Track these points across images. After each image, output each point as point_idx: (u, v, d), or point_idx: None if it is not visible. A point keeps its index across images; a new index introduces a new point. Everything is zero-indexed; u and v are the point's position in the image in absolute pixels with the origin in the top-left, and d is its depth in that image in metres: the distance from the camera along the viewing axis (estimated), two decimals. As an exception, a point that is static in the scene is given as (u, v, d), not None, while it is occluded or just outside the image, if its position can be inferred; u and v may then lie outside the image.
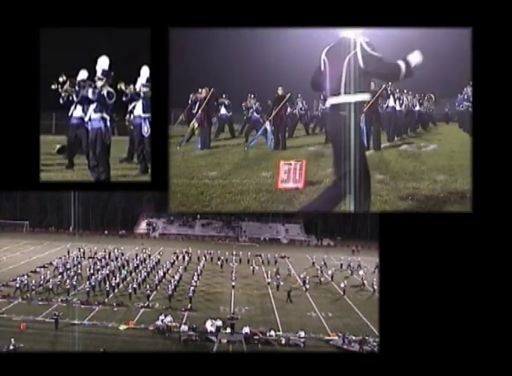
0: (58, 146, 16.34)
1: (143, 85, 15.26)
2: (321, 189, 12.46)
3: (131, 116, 16.35)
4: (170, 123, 24.38)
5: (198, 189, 12.58)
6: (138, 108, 15.69)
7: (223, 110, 25.56)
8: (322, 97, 25.12)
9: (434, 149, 19.64)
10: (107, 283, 27.63)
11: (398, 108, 24.21)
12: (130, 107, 16.24)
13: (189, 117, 23.10)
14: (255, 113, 24.54)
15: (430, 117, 31.17)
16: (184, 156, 17.66)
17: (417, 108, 28.11)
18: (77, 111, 14.98)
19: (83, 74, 14.89)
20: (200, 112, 20.02)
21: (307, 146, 20.33)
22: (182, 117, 24.12)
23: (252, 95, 25.34)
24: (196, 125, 19.80)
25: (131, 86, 16.02)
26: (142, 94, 15.35)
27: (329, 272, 34.30)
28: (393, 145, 20.69)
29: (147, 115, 14.90)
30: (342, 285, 29.81)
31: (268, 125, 19.03)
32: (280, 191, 12.55)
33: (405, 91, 26.36)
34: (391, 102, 23.75)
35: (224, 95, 25.87)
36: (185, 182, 13.29)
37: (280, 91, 19.48)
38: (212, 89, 20.40)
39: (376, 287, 29.88)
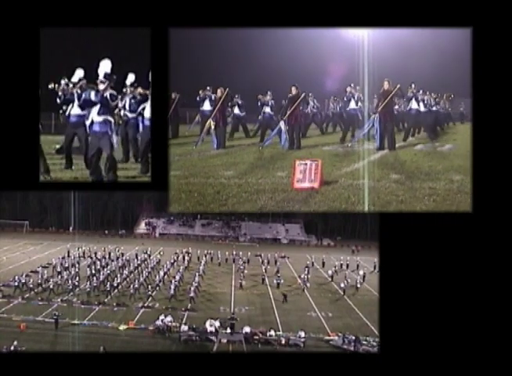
0: (57, 146, 16.28)
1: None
2: (336, 188, 12.58)
3: (123, 113, 16.25)
4: (186, 123, 24.50)
5: (214, 188, 12.60)
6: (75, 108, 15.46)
7: (236, 110, 25.33)
8: (345, 98, 24.98)
9: (449, 148, 19.56)
10: (107, 283, 27.64)
11: (422, 109, 24.00)
12: (121, 105, 16.17)
13: (202, 115, 23.09)
14: (269, 110, 24.32)
15: (446, 116, 31.08)
16: (200, 155, 17.71)
17: (434, 108, 28.03)
18: (74, 109, 14.89)
19: (79, 74, 14.86)
20: (215, 111, 19.97)
21: (321, 145, 20.31)
22: (197, 117, 24.12)
23: (269, 92, 25.15)
24: (212, 125, 19.73)
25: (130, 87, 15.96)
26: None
27: (329, 272, 34.30)
28: (408, 144, 20.62)
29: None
30: (342, 285, 29.81)
31: (282, 125, 18.97)
32: (296, 191, 12.55)
33: (423, 91, 26.29)
34: (413, 104, 23.65)
35: (236, 96, 25.70)
36: (201, 181, 13.33)
37: (294, 90, 19.40)
38: (227, 89, 20.32)
39: (359, 285, 30.29)
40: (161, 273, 31.22)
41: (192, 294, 26.34)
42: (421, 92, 24.48)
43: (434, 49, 24.71)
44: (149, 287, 27.52)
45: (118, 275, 30.23)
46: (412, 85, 22.95)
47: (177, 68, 11.46)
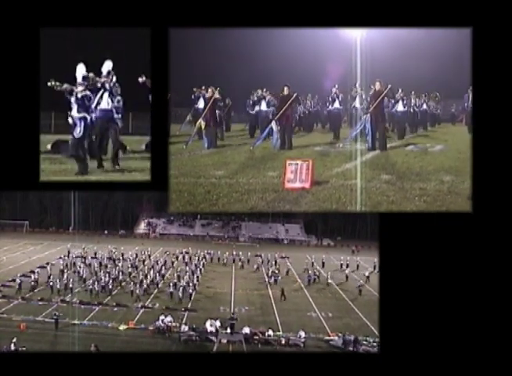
0: (50, 143, 16.15)
1: (104, 76, 15.11)
2: (327, 188, 12.56)
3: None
4: (178, 123, 24.49)
5: (205, 188, 12.62)
6: (104, 101, 15.45)
7: (264, 106, 24.82)
8: (330, 98, 25.10)
9: (440, 149, 19.57)
10: (107, 283, 27.64)
11: (404, 109, 24.21)
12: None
13: (195, 114, 23.02)
14: (265, 107, 24.15)
15: (436, 117, 31.13)
16: (191, 155, 17.70)
17: (423, 108, 28.16)
18: (103, 103, 14.89)
19: (108, 65, 15.04)
20: (206, 111, 19.98)
21: (313, 145, 20.32)
22: (189, 117, 24.07)
23: (264, 88, 25.03)
24: (203, 125, 19.76)
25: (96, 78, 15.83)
26: (106, 86, 15.15)
27: (346, 271, 34.72)
28: (399, 145, 20.66)
29: (113, 106, 14.87)
30: (359, 284, 30.15)
31: (274, 125, 18.98)
32: (287, 191, 12.55)
33: (412, 92, 26.37)
34: (398, 104, 23.88)
35: (264, 90, 25.09)
36: (191, 181, 13.32)
37: (286, 91, 19.45)
38: (218, 89, 20.32)
39: (329, 280, 31.27)
40: (161, 273, 31.26)
41: (191, 294, 26.39)
42: (412, 93, 24.58)
43: (429, 49, 24.75)
44: (149, 287, 27.53)
45: (118, 275, 30.26)
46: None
47: (176, 68, 11.45)
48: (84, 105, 13.85)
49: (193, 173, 14.30)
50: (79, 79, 14.02)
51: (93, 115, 15.23)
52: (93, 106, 14.88)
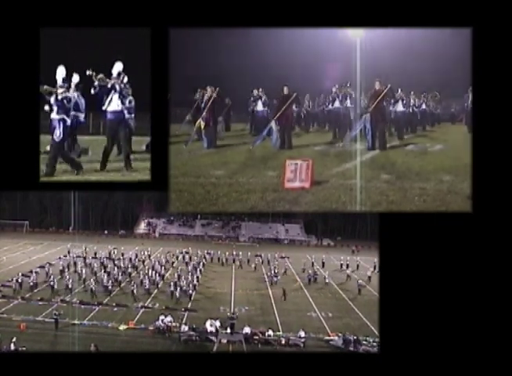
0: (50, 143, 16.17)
1: (114, 78, 15.10)
2: (327, 188, 12.55)
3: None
4: (177, 122, 24.51)
5: (205, 187, 12.66)
6: (114, 102, 15.40)
7: (260, 106, 25.00)
8: (330, 98, 25.16)
9: (440, 149, 19.58)
10: (107, 283, 27.66)
11: (403, 109, 24.29)
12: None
13: (196, 115, 22.98)
14: (261, 106, 24.27)
15: (436, 117, 31.15)
16: (190, 155, 17.70)
17: (422, 108, 28.22)
18: (113, 104, 14.89)
19: (118, 67, 15.11)
20: (205, 111, 20.01)
21: (313, 145, 20.32)
22: (188, 116, 24.08)
23: (260, 89, 25.11)
24: (202, 125, 19.80)
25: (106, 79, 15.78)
26: (116, 87, 15.13)
27: (347, 271, 34.96)
28: (399, 145, 20.67)
29: (124, 107, 14.91)
30: (360, 282, 30.47)
31: (273, 125, 19.00)
32: (287, 190, 12.55)
33: (411, 92, 26.42)
34: (397, 104, 23.96)
35: (260, 90, 25.17)
36: (191, 180, 13.34)
37: (286, 90, 19.48)
38: (217, 88, 20.34)
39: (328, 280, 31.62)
40: (161, 273, 31.27)
41: (191, 294, 26.39)
42: (400, 91, 24.60)
43: (428, 49, 24.76)
44: (149, 287, 27.53)
45: (118, 275, 30.27)
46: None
47: (176, 68, 11.45)
48: (63, 107, 13.92)
49: (193, 173, 14.30)
50: (59, 81, 14.19)
51: (81, 115, 15.49)
52: (103, 107, 14.94)
